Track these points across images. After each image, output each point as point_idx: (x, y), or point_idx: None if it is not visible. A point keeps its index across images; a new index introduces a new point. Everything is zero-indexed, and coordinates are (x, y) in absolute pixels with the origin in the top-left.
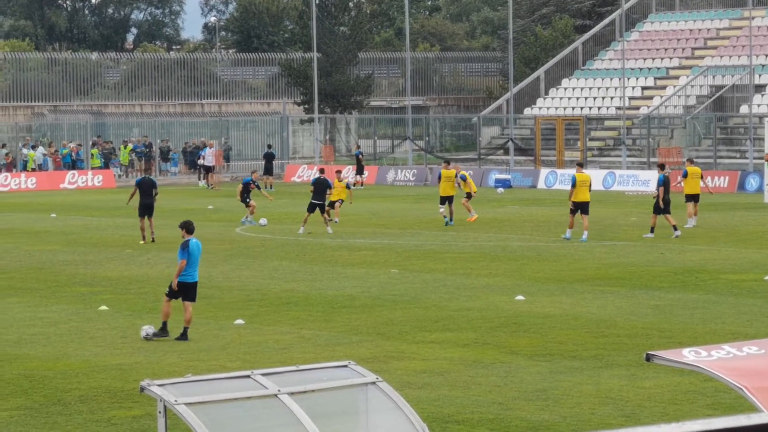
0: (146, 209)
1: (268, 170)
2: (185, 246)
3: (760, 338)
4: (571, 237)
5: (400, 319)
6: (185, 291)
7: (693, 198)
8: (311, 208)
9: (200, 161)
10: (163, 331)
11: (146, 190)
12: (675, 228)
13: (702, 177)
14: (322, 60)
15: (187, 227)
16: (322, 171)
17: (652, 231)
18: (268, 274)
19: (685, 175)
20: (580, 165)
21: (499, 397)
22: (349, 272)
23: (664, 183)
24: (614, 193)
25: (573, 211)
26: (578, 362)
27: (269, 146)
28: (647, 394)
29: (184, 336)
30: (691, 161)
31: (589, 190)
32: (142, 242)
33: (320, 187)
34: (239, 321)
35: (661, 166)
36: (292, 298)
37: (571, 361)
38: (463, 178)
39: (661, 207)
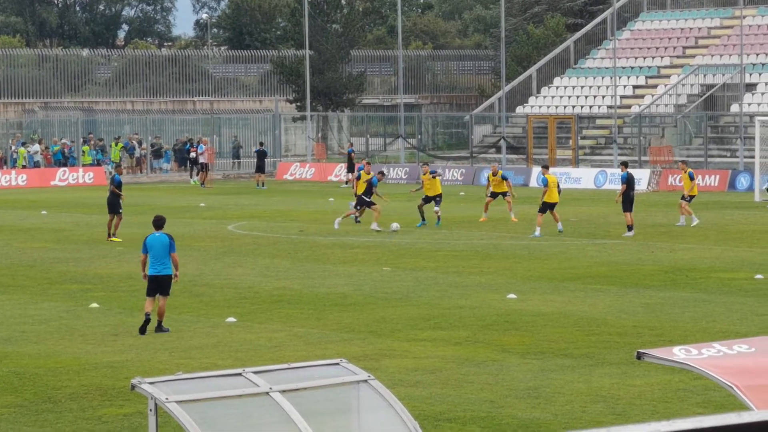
0: (109, 206)
1: (260, 168)
2: (144, 241)
3: (750, 336)
4: (541, 235)
5: (392, 317)
6: (158, 285)
7: (692, 198)
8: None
9: (192, 154)
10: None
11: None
12: (630, 228)
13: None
14: (315, 57)
15: (153, 222)
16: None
17: (630, 229)
18: (260, 272)
19: (692, 177)
20: (546, 167)
21: (491, 395)
22: (342, 270)
23: (627, 181)
24: (606, 192)
25: (543, 211)
26: (569, 360)
27: (261, 144)
28: (638, 392)
29: (159, 328)
30: (685, 162)
31: (557, 191)
32: (108, 239)
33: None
34: (231, 319)
35: (624, 164)
36: (284, 296)
37: (563, 359)
38: (505, 177)
39: (626, 203)
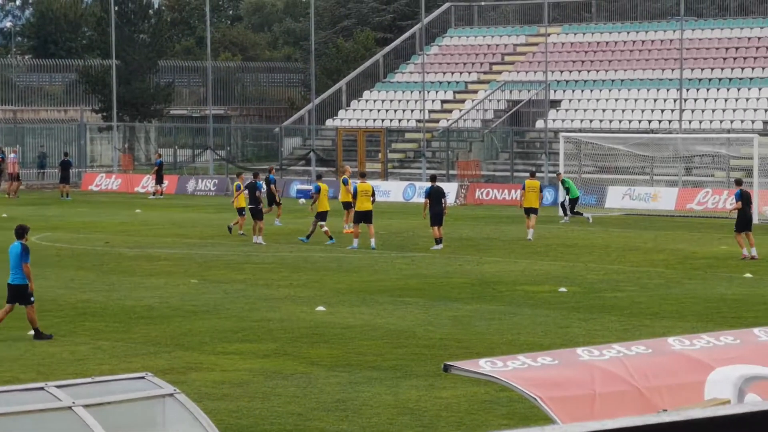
0: None
1: (65, 178)
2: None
3: (554, 349)
4: (358, 246)
5: (199, 329)
6: (13, 294)
7: (531, 211)
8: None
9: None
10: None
11: None
12: (438, 241)
13: (541, 190)
14: (121, 67)
15: (14, 231)
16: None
17: (438, 242)
18: (64, 284)
19: (524, 188)
20: (363, 175)
21: (299, 408)
22: (148, 282)
23: (429, 195)
24: (414, 205)
25: (357, 221)
26: (377, 373)
27: (66, 154)
28: (445, 404)
29: (37, 336)
30: (532, 174)
31: (372, 201)
32: None
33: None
34: (32, 332)
35: (432, 178)
36: (89, 309)
37: (371, 372)
38: (345, 182)
39: (433, 216)
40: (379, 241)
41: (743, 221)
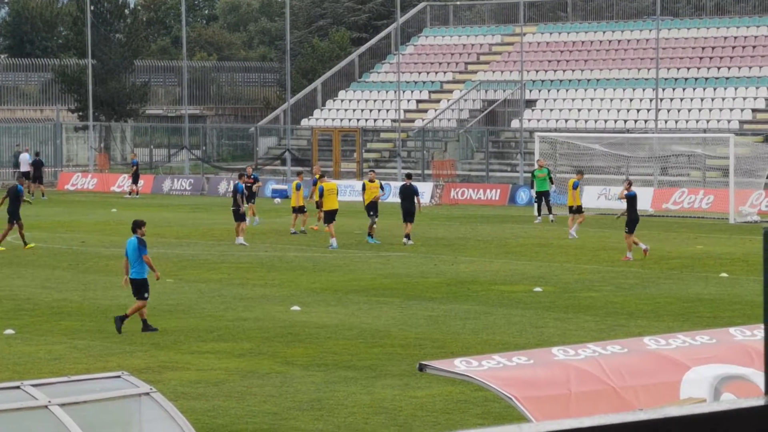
0: None
1: (38, 178)
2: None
3: (529, 348)
4: (338, 245)
5: (175, 329)
6: (133, 288)
7: (572, 209)
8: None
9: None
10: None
11: None
12: (407, 236)
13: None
14: (97, 67)
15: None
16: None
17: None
18: (40, 284)
19: (575, 187)
20: (322, 175)
21: (274, 408)
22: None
23: (400, 193)
24: (389, 205)
25: (327, 221)
26: (353, 372)
27: (37, 154)
28: (420, 404)
29: (145, 328)
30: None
31: (336, 198)
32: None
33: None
34: (9, 331)
35: (407, 176)
36: (65, 308)
37: (346, 371)
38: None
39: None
40: (354, 241)
41: (634, 221)
